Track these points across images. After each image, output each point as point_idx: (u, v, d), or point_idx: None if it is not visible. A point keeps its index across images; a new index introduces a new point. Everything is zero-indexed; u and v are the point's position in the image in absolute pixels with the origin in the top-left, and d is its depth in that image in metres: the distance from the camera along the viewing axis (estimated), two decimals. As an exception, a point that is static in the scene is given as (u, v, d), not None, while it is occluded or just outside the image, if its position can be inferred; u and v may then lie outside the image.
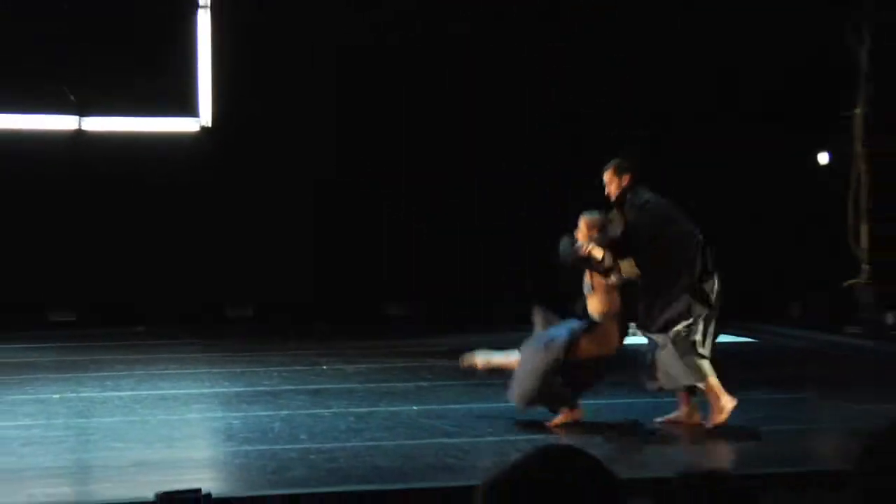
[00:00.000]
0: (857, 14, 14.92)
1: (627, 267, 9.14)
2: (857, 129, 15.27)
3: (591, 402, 9.37)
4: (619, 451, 8.40)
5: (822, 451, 8.88)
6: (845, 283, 15.31)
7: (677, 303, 9.00)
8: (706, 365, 9.03)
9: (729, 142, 16.09)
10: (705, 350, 9.09)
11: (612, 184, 9.29)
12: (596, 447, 8.10)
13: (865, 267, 15.19)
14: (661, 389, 9.25)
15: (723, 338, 14.54)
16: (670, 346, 8.99)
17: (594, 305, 9.21)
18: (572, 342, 9.06)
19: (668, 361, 9.05)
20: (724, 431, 9.05)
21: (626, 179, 9.25)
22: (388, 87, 16.30)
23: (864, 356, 13.75)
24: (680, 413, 9.25)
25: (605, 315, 9.14)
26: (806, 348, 14.22)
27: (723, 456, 8.51)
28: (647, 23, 16.35)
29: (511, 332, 14.48)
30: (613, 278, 9.15)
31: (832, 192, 15.57)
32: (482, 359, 9.55)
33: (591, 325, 9.14)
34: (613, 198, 9.30)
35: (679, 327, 8.99)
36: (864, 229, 15.23)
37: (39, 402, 10.33)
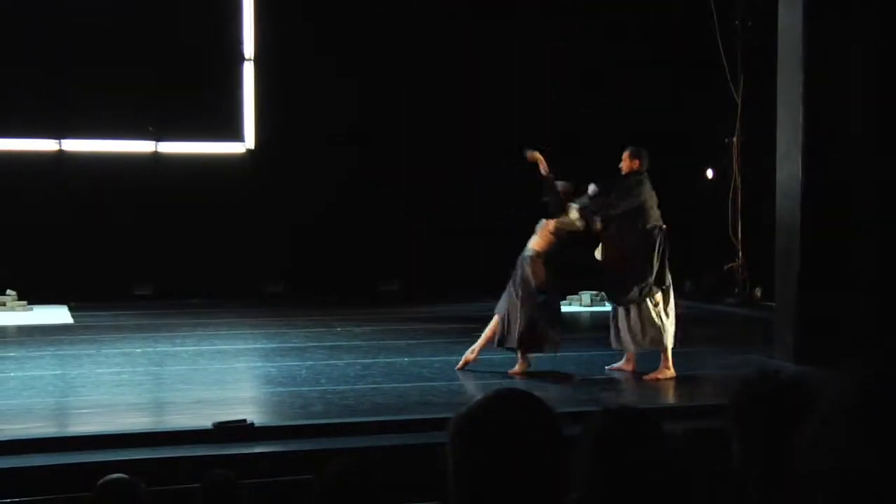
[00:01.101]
0: (732, 68, 14.98)
1: (572, 217, 8.99)
2: (735, 151, 15.34)
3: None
4: (558, 391, 8.42)
5: (707, 389, 8.91)
6: (726, 266, 15.38)
7: (648, 278, 8.84)
8: (668, 335, 8.92)
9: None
10: (670, 321, 8.97)
11: (624, 162, 9.10)
12: (540, 389, 8.13)
13: (740, 254, 15.25)
14: (622, 348, 9.14)
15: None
16: (642, 312, 8.86)
17: (534, 241, 9.09)
18: (525, 274, 8.89)
19: (636, 327, 8.95)
20: (634, 377, 9.08)
21: (636, 163, 9.06)
22: (390, 89, 15.81)
23: (738, 321, 13.81)
24: (623, 363, 9.22)
25: (538, 253, 9.03)
26: (695, 315, 14.26)
27: (635, 394, 8.53)
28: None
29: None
30: (554, 223, 8.99)
31: (717, 198, 15.63)
32: (470, 354, 9.29)
33: (528, 258, 9.00)
34: (623, 172, 9.09)
35: (651, 299, 8.85)
36: (739, 226, 15.29)
37: (126, 354, 10.32)
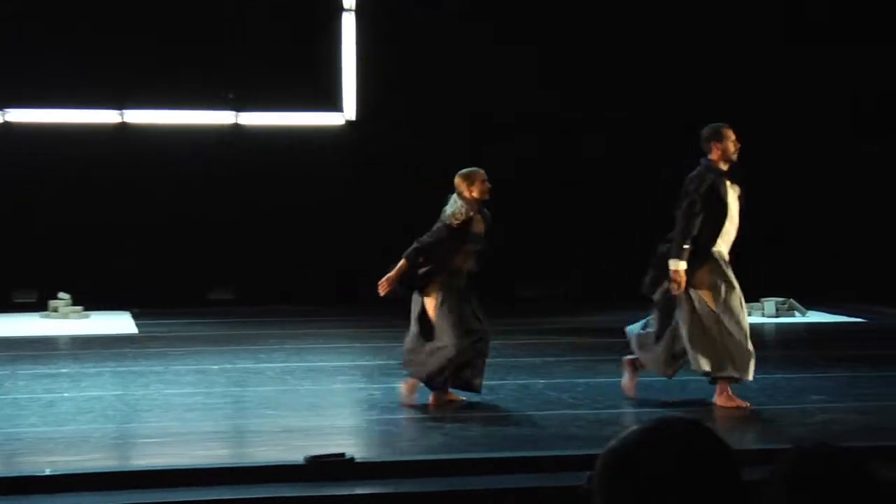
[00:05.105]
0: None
1: None
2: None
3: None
4: (735, 423, 8.28)
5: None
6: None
7: None
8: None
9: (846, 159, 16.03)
10: None
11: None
12: (711, 420, 8.01)
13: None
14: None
15: (841, 318, 14.36)
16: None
17: None
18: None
19: None
20: (835, 407, 8.87)
21: None
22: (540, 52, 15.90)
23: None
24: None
25: None
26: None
27: (834, 429, 8.30)
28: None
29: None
30: None
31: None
32: None
33: None
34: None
35: None
36: None
37: (200, 372, 10.53)
